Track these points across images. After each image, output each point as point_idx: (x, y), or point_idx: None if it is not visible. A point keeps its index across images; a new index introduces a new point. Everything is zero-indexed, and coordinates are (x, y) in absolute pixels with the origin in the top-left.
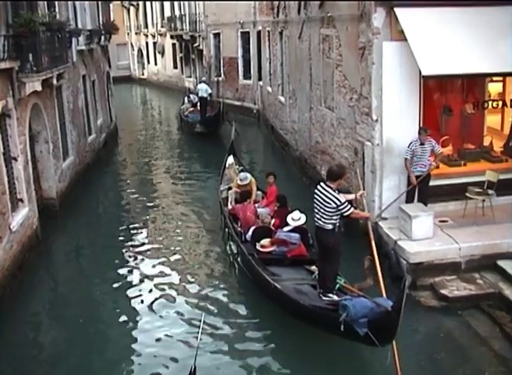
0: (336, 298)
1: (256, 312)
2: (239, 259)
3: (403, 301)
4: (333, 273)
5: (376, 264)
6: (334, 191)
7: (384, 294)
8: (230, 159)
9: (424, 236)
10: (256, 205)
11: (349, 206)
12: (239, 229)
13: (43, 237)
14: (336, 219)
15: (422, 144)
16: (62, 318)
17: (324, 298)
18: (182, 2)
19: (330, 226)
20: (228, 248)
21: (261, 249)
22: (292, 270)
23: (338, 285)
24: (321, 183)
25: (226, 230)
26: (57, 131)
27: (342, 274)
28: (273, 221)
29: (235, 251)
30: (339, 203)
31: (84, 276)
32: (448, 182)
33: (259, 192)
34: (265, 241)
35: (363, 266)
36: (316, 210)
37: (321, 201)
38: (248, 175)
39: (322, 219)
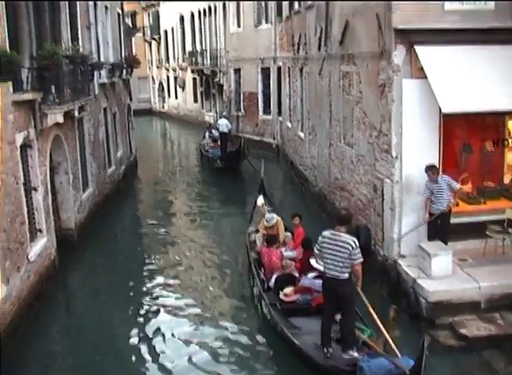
0: (357, 355)
1: (276, 363)
2: (261, 308)
3: (422, 363)
4: (351, 325)
5: (380, 327)
6: (346, 234)
7: (398, 354)
8: (260, 199)
9: (444, 274)
10: (284, 248)
11: (360, 254)
12: (262, 276)
13: (60, 267)
14: (350, 267)
15: (436, 181)
16: (78, 347)
17: (345, 356)
18: (204, 38)
19: (346, 275)
20: (253, 292)
21: (284, 298)
22: (316, 320)
23: (362, 340)
24: (330, 230)
25: (251, 274)
26: (77, 163)
27: (367, 323)
28: (296, 264)
29: (258, 299)
30: (354, 246)
31: (101, 306)
32: (467, 220)
33: (288, 233)
34: (288, 290)
35: (388, 316)
36: (329, 260)
37: (336, 247)
38: (274, 215)
39: (338, 268)
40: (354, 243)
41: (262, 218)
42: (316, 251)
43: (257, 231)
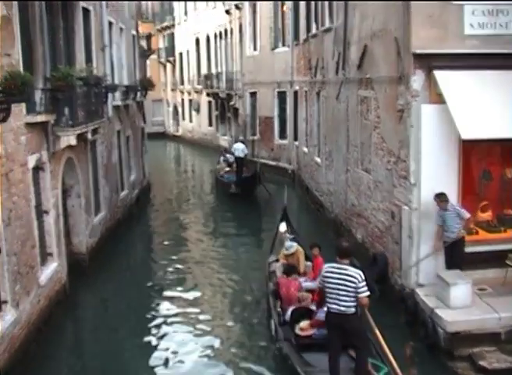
0: None
1: None
2: (277, 342)
3: None
4: (365, 362)
5: (395, 367)
6: (351, 267)
7: None
8: (283, 227)
9: (463, 304)
10: (303, 278)
11: (366, 287)
12: (278, 309)
13: (71, 292)
14: (356, 301)
15: (445, 209)
16: (86, 374)
17: None
18: (219, 61)
19: (353, 310)
20: (269, 325)
21: (299, 333)
22: None
23: None
24: (333, 264)
25: (268, 307)
26: (89, 186)
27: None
28: (314, 296)
29: (274, 333)
30: (360, 279)
31: (110, 333)
32: (487, 248)
33: (309, 263)
34: (305, 324)
35: (405, 353)
36: (334, 294)
37: (340, 281)
38: (294, 244)
39: (343, 303)
40: (360, 276)
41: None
42: (319, 285)
43: (277, 261)
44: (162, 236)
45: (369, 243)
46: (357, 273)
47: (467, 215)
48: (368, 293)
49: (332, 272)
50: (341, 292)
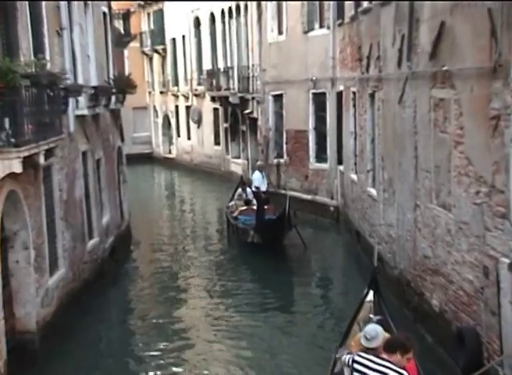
0: None
1: None
2: None
3: None
4: None
5: None
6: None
7: None
8: (369, 297)
9: None
10: None
11: None
12: None
13: None
14: None
15: None
16: None
17: None
18: (229, 50)
19: None
20: None
21: None
22: None
23: None
24: (364, 355)
25: None
26: (42, 232)
27: None
28: None
29: None
30: None
31: None
32: None
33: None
34: None
35: None
36: None
37: None
38: (379, 329)
39: None
40: None
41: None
42: None
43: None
44: (148, 307)
45: (451, 313)
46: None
47: None
48: None
49: (365, 364)
50: None
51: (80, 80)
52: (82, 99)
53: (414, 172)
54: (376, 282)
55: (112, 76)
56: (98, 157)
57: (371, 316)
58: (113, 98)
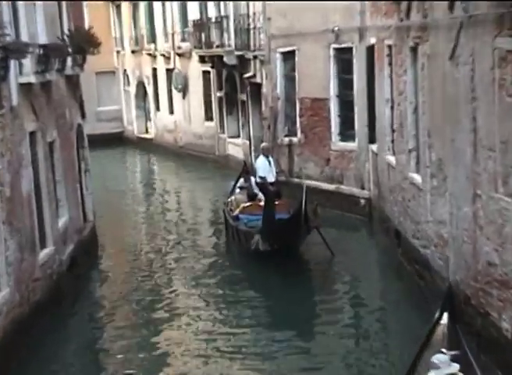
0: None
1: None
2: None
3: None
4: None
5: None
6: None
7: None
8: (443, 322)
9: None
10: None
11: None
12: None
13: None
14: None
15: None
16: None
17: None
18: None
19: None
20: None
21: None
22: None
23: None
24: None
25: None
26: None
27: None
28: None
29: None
30: None
31: None
32: None
33: None
34: None
35: None
36: None
37: None
38: (454, 369)
39: None
40: None
41: None
42: None
43: None
44: (117, 337)
45: None
46: None
47: None
48: None
49: None
50: None
51: (24, 37)
52: (27, 62)
53: (473, 151)
54: (452, 301)
55: (66, 30)
56: (51, 139)
57: (444, 350)
58: (69, 60)
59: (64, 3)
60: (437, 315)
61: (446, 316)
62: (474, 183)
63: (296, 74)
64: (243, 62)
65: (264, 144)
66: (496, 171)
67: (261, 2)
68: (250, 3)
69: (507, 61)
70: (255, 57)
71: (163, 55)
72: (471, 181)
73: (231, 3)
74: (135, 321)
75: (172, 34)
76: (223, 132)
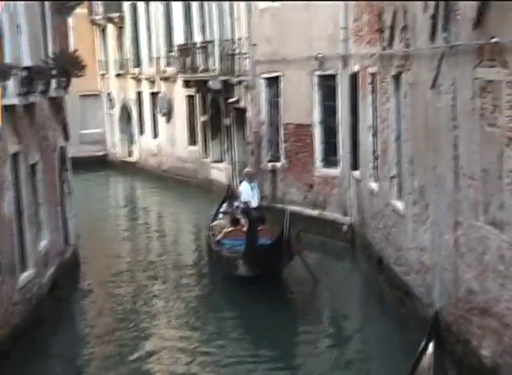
0: None
1: None
2: None
3: None
4: None
5: None
6: None
7: None
8: (429, 351)
9: None
10: None
11: None
12: None
13: None
14: None
15: None
16: None
17: None
18: (207, 19)
19: None
20: None
21: None
22: None
23: None
24: None
25: None
26: None
27: None
28: None
29: None
30: None
31: None
32: None
33: None
34: None
35: None
36: None
37: None
38: None
39: None
40: None
41: None
42: None
43: None
44: (100, 362)
45: (507, 367)
46: None
47: None
48: None
49: None
50: None
51: (8, 59)
52: (11, 84)
53: (454, 178)
54: (438, 331)
55: (51, 53)
56: (34, 161)
57: None
58: (53, 83)
59: (48, 25)
60: (423, 344)
61: (431, 345)
62: (456, 211)
63: (281, 100)
64: (228, 87)
65: (247, 169)
66: (476, 199)
67: (246, 28)
68: (235, 29)
69: (487, 91)
70: (240, 82)
71: (148, 79)
72: (452, 209)
73: (216, 29)
74: (117, 344)
75: (157, 58)
76: (207, 156)
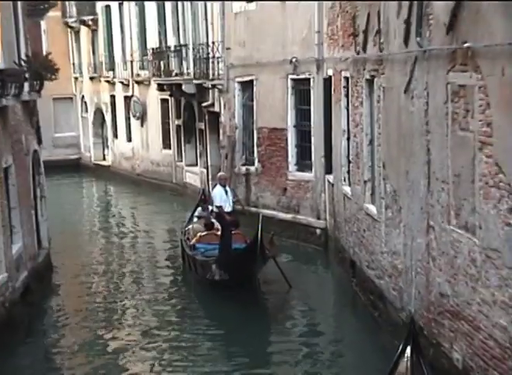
0: None
1: None
2: None
3: None
4: None
5: None
6: None
7: None
8: (406, 356)
9: None
10: None
11: None
12: None
13: None
14: None
15: None
16: None
17: None
18: (182, 23)
19: None
20: None
21: None
22: None
23: None
24: None
25: None
26: None
27: None
28: None
29: None
30: None
31: None
32: None
33: None
34: None
35: None
36: None
37: None
38: None
39: None
40: None
41: None
42: None
43: None
44: (72, 368)
45: (478, 370)
46: None
47: None
48: None
49: None
50: None
51: None
52: None
53: (427, 183)
54: (415, 335)
55: (23, 56)
56: (6, 165)
57: None
58: (26, 86)
59: (21, 28)
60: (400, 348)
61: (409, 349)
62: (428, 215)
63: (255, 104)
64: (202, 91)
65: (221, 173)
66: (448, 203)
67: (220, 32)
68: (209, 33)
69: (460, 95)
70: (214, 86)
71: (122, 83)
72: (424, 213)
73: (190, 33)
74: (89, 350)
75: (131, 62)
76: (181, 160)
